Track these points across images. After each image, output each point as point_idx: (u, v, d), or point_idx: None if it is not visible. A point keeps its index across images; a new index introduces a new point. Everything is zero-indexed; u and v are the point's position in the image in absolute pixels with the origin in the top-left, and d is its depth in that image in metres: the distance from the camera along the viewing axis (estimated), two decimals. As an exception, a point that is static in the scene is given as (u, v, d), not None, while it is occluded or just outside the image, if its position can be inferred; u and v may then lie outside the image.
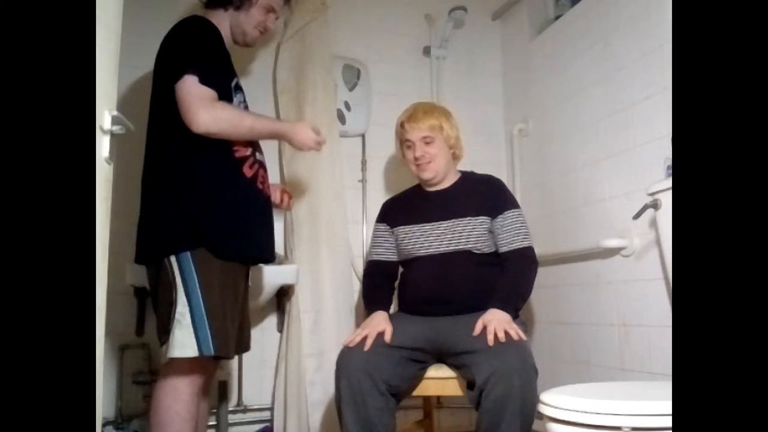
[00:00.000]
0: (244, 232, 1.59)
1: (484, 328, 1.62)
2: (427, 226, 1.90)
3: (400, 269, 2.00)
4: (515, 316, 1.73)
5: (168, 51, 1.57)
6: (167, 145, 1.55)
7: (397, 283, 1.99)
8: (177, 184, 1.52)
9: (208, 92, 1.51)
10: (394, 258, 1.98)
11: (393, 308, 1.94)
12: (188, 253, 1.49)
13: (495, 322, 1.62)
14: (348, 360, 1.62)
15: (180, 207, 1.51)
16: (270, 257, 1.73)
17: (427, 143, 1.90)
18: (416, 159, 1.91)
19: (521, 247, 1.85)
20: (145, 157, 1.62)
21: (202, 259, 1.49)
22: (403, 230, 1.94)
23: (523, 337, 1.63)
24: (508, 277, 1.81)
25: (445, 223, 1.88)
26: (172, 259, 1.49)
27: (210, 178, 1.54)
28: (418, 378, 1.71)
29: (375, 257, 2.00)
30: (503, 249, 1.86)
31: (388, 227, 1.99)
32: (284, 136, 1.73)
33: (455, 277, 1.81)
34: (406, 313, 1.86)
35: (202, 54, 1.55)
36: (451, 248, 1.85)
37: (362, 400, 1.57)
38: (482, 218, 1.86)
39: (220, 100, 1.54)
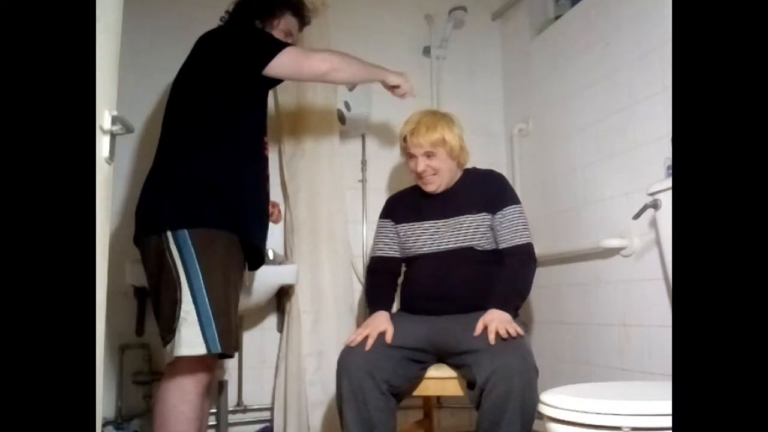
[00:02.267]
0: (259, 225, 1.67)
1: (485, 328, 1.62)
2: (429, 224, 1.90)
3: (403, 267, 2.00)
4: (515, 315, 1.73)
5: (232, 53, 1.63)
6: (200, 137, 1.58)
7: (400, 281, 1.99)
8: (211, 171, 1.56)
9: (298, 48, 1.72)
10: (397, 254, 1.98)
11: (396, 306, 1.94)
12: (187, 236, 1.48)
13: (496, 321, 1.63)
14: (349, 360, 1.62)
15: (214, 189, 1.54)
16: (263, 260, 1.77)
17: (429, 157, 1.89)
18: (419, 173, 1.91)
19: (520, 243, 1.85)
20: (162, 149, 1.63)
21: (205, 253, 1.49)
22: (405, 227, 1.95)
23: (523, 334, 1.63)
24: (507, 276, 1.81)
25: (446, 221, 1.88)
26: (174, 252, 1.48)
27: (244, 172, 1.61)
28: (418, 378, 1.71)
29: (379, 253, 2.00)
30: (503, 245, 1.86)
31: (393, 223, 1.99)
32: (382, 77, 1.93)
33: (457, 275, 1.82)
34: (408, 312, 1.86)
35: (267, 35, 1.72)
36: (453, 246, 1.85)
37: (363, 400, 1.57)
38: (483, 215, 1.87)
39: (256, 105, 1.70)
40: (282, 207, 2.28)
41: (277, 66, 1.62)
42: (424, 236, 1.90)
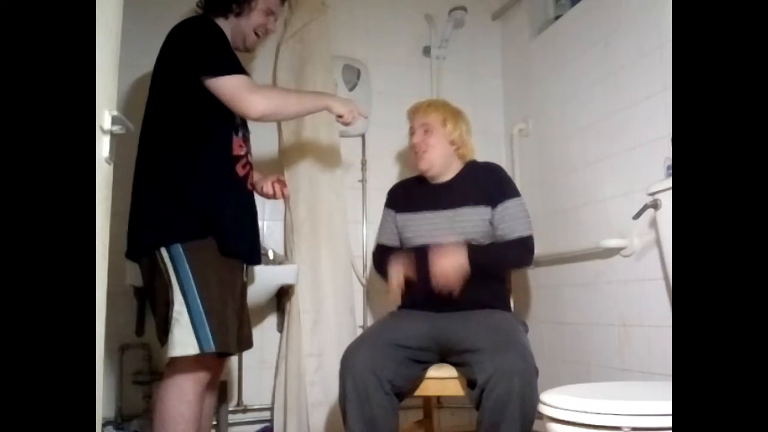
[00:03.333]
0: (241, 229, 1.62)
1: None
2: (427, 215, 1.91)
3: None
4: (470, 263, 1.76)
5: (185, 50, 1.58)
6: (168, 140, 1.56)
7: None
8: (178, 179, 1.53)
9: (248, 79, 1.59)
10: (398, 245, 1.99)
11: (394, 307, 1.93)
12: (179, 248, 1.49)
13: (448, 261, 1.70)
14: (353, 358, 1.63)
15: (182, 199, 1.52)
16: (258, 258, 1.75)
17: (426, 132, 1.93)
18: (414, 145, 1.95)
19: (522, 236, 1.86)
20: (140, 153, 1.62)
21: (195, 253, 1.49)
22: (403, 217, 1.96)
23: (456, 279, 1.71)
24: (498, 244, 1.85)
25: (444, 212, 1.89)
26: (165, 255, 1.49)
27: (211, 174, 1.56)
28: (420, 378, 1.71)
29: (382, 241, 2.02)
30: (506, 239, 1.86)
31: (394, 213, 2.01)
32: (326, 106, 1.79)
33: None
34: (409, 309, 1.87)
35: (226, 49, 1.61)
36: (449, 239, 1.85)
37: (366, 399, 1.57)
38: (482, 208, 1.86)
39: (218, 107, 1.59)
40: (283, 205, 2.28)
41: (219, 85, 1.55)
42: (420, 227, 1.91)
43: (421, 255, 1.88)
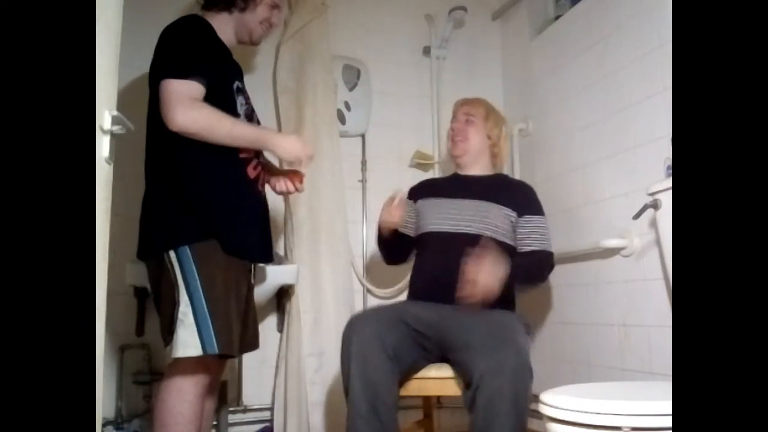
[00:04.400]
0: (248, 229, 1.61)
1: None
2: (453, 201, 1.93)
3: (413, 260, 2.00)
4: (503, 281, 1.70)
5: (159, 50, 1.58)
6: (171, 143, 1.55)
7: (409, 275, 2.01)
8: (183, 180, 1.53)
9: (190, 91, 1.48)
10: (410, 233, 2.01)
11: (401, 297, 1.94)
12: (187, 249, 1.49)
13: (484, 276, 1.64)
14: (360, 322, 1.64)
15: (187, 200, 1.52)
16: (269, 258, 1.75)
17: (467, 121, 2.02)
18: (452, 130, 2.03)
19: (544, 250, 1.89)
20: (146, 155, 1.62)
21: (203, 255, 1.49)
22: (425, 203, 1.98)
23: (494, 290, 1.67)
24: (526, 258, 1.85)
25: (471, 201, 1.91)
26: (173, 256, 1.49)
27: (216, 176, 1.56)
28: (418, 366, 1.70)
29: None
30: (525, 249, 1.89)
31: (413, 203, 2.03)
32: (266, 145, 1.64)
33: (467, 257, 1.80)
34: (415, 300, 1.87)
35: (190, 53, 1.54)
36: (469, 229, 1.86)
37: (369, 361, 1.57)
38: (508, 210, 1.89)
39: (220, 102, 1.54)
40: (283, 205, 2.28)
41: (168, 87, 1.47)
42: (444, 212, 1.92)
43: (435, 243, 1.88)
